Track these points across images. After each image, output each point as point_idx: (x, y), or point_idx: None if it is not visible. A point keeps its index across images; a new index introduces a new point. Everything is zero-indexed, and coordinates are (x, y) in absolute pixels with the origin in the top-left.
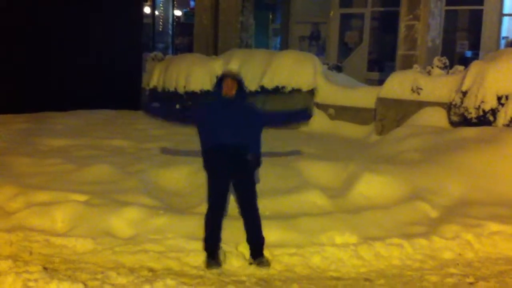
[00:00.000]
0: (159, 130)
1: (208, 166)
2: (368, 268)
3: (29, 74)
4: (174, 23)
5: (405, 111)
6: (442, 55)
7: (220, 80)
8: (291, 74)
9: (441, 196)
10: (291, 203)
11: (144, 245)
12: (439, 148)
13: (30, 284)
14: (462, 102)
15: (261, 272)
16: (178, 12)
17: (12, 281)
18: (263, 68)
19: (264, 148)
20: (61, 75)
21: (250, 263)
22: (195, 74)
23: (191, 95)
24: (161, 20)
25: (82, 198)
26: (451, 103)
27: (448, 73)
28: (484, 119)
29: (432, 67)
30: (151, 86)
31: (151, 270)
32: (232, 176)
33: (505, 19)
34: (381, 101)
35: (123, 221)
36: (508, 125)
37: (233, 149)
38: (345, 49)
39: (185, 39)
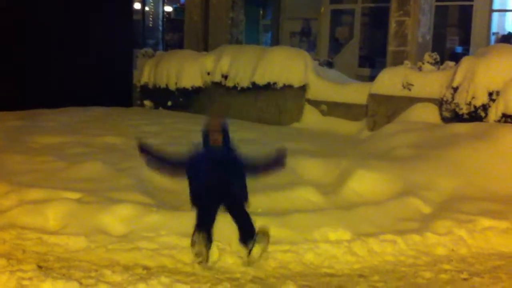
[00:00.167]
0: (152, 127)
1: (197, 200)
2: (362, 264)
3: (27, 73)
4: (165, 19)
5: (396, 107)
6: (432, 51)
7: (207, 132)
8: (282, 70)
9: (433, 191)
10: (284, 199)
11: (138, 243)
12: (431, 144)
13: (25, 282)
14: (453, 98)
15: (256, 269)
16: (168, 8)
17: (6, 279)
18: (254, 64)
19: (257, 144)
20: (60, 74)
21: (249, 253)
22: (186, 70)
23: (183, 92)
24: (151, 16)
25: (74, 195)
26: (442, 99)
27: (438, 69)
28: (475, 115)
29: (423, 63)
30: (142, 82)
31: (145, 267)
32: (221, 202)
33: (495, 15)
34: (372, 97)
35: (116, 218)
36: (499, 121)
37: (220, 186)
38: (336, 45)
39: (175, 35)
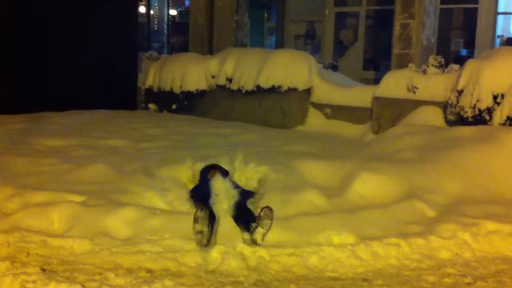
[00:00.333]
0: (156, 130)
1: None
2: (366, 268)
3: (28, 74)
4: (169, 22)
5: (401, 110)
6: (437, 54)
7: (206, 171)
8: (286, 73)
9: (438, 195)
10: (288, 202)
11: (142, 246)
12: (435, 147)
13: (28, 285)
14: (457, 101)
15: (259, 272)
16: (173, 11)
17: (10, 282)
18: (259, 67)
19: (262, 147)
20: (60, 74)
21: (251, 234)
22: (190, 73)
23: (187, 95)
24: (156, 20)
25: (79, 198)
26: (446, 102)
27: (443, 71)
28: (480, 118)
29: (428, 66)
30: (146, 85)
31: (149, 271)
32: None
33: (500, 18)
34: (377, 100)
35: (120, 221)
36: (504, 124)
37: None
38: (341, 48)
39: (180, 38)
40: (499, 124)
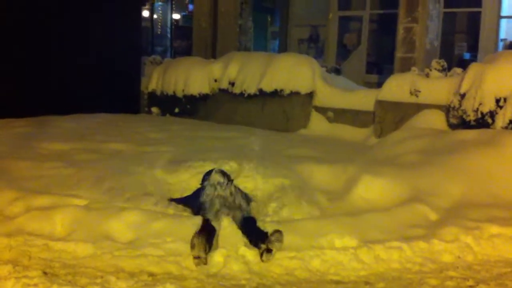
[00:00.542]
0: (159, 133)
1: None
2: (368, 271)
3: (29, 76)
4: (173, 27)
5: (404, 114)
6: (440, 58)
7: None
8: (289, 77)
9: (440, 198)
10: (290, 205)
11: (144, 249)
12: (438, 150)
13: None
14: (460, 105)
15: (261, 276)
16: (176, 16)
17: (12, 286)
18: (262, 71)
19: (264, 151)
20: (61, 78)
21: (263, 252)
22: (193, 77)
23: (190, 99)
24: (159, 24)
25: (81, 202)
26: (449, 106)
27: (446, 75)
28: (483, 122)
29: (431, 70)
30: (149, 89)
31: (151, 274)
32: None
33: (503, 21)
34: (379, 103)
35: (123, 225)
36: (506, 128)
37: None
38: (344, 52)
39: (183, 42)
40: (502, 128)
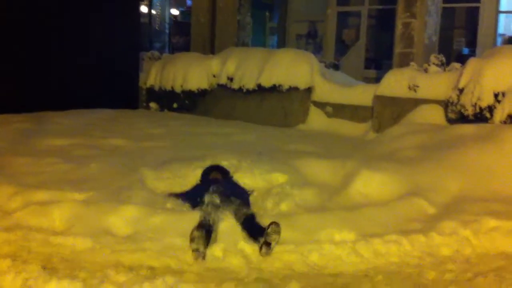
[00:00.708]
0: (157, 129)
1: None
2: (367, 265)
3: (29, 73)
4: (171, 22)
5: (402, 109)
6: (439, 53)
7: (207, 173)
8: (288, 73)
9: (439, 192)
10: (289, 200)
11: (143, 244)
12: (436, 145)
13: (30, 283)
14: (459, 100)
15: (260, 270)
16: (174, 11)
17: (12, 280)
18: (260, 67)
19: (263, 146)
20: (60, 74)
21: (262, 246)
22: (192, 73)
23: (188, 94)
24: (157, 19)
25: (80, 197)
26: (448, 101)
27: (445, 70)
28: (481, 116)
29: (429, 65)
30: (148, 85)
31: (150, 268)
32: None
33: (502, 16)
34: (378, 99)
35: (122, 219)
36: (505, 122)
37: (220, 195)
38: (342, 47)
39: (182, 38)
40: (500, 122)
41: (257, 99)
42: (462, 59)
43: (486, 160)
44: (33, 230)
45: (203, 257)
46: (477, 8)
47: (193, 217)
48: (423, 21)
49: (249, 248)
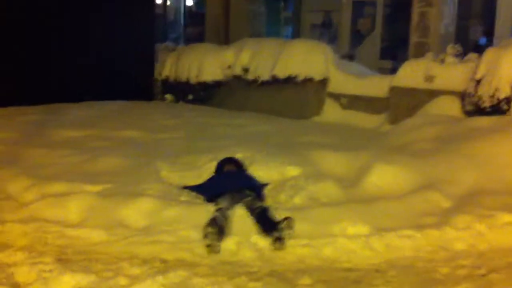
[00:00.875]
0: (171, 120)
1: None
2: (380, 260)
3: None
4: (186, 13)
5: (418, 100)
6: (455, 43)
7: (221, 165)
8: (303, 63)
9: (454, 186)
10: (303, 193)
11: (157, 236)
12: (452, 137)
13: (45, 274)
14: (476, 91)
15: (273, 263)
16: (189, 2)
17: (27, 271)
18: (275, 58)
19: (277, 138)
20: (76, 66)
21: (275, 240)
22: (206, 64)
23: (203, 86)
24: (172, 10)
25: (95, 189)
26: (464, 92)
27: (461, 61)
28: (499, 108)
29: (446, 55)
30: (163, 76)
31: (164, 261)
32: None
33: None
34: (393, 90)
35: (136, 211)
36: None
37: (235, 188)
38: (358, 37)
39: (196, 29)
40: None
41: (271, 90)
42: (479, 50)
43: (503, 153)
44: (49, 222)
45: (217, 251)
46: None
47: (208, 210)
48: (439, 10)
49: (262, 241)
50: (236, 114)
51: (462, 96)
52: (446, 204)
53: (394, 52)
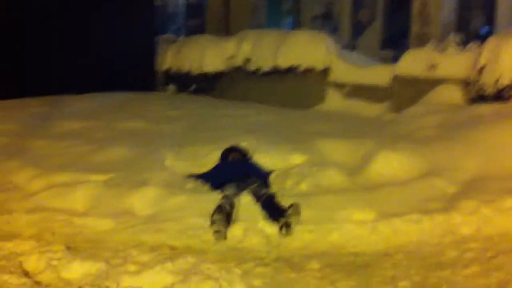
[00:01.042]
0: (174, 111)
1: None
2: (387, 244)
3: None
4: (186, 5)
5: (420, 89)
6: (456, 32)
7: (226, 154)
8: (304, 54)
9: (458, 172)
10: (309, 180)
11: (164, 224)
12: (455, 125)
13: (54, 262)
14: (478, 79)
15: (280, 249)
16: None
17: (37, 260)
18: (276, 49)
19: (280, 127)
20: (77, 58)
21: (282, 226)
22: (208, 55)
23: (205, 77)
24: (172, 2)
25: (101, 178)
26: (466, 80)
27: (463, 49)
28: (501, 96)
29: (447, 44)
30: (164, 68)
31: (172, 248)
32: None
33: None
34: (396, 79)
35: (142, 200)
36: None
37: (240, 175)
38: (359, 27)
39: (197, 20)
40: None
41: (273, 80)
42: (481, 38)
43: (506, 139)
44: (56, 211)
45: (224, 238)
46: None
47: (213, 197)
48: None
49: (269, 227)
50: (238, 105)
51: (465, 84)
52: (451, 190)
53: (395, 41)
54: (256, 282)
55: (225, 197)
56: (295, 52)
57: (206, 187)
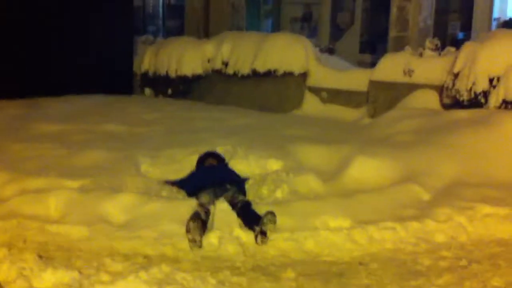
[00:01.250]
0: (152, 114)
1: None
2: (362, 252)
3: (25, 58)
4: (165, 6)
5: (397, 94)
6: (433, 37)
7: (203, 159)
8: (283, 57)
9: (433, 178)
10: (284, 186)
11: (139, 232)
12: (431, 130)
13: (25, 272)
14: (453, 84)
15: (256, 257)
16: None
17: (7, 269)
18: (255, 52)
19: (258, 131)
20: (51, 60)
21: (257, 235)
22: (186, 57)
23: (183, 79)
24: (151, 3)
25: (75, 184)
26: (443, 86)
27: (440, 54)
28: (476, 101)
29: (424, 49)
30: (142, 70)
31: (146, 256)
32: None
33: (497, 0)
34: (373, 83)
35: (117, 207)
36: (499, 107)
37: (216, 182)
38: (337, 31)
39: (176, 22)
40: (495, 108)
41: (252, 84)
42: (457, 43)
43: (481, 146)
44: (29, 218)
45: (200, 246)
46: None
47: (189, 204)
48: (418, 5)
49: (245, 235)
50: (216, 108)
51: (441, 89)
52: (426, 196)
53: (374, 45)
54: None
55: (200, 204)
56: (274, 55)
57: (182, 194)
